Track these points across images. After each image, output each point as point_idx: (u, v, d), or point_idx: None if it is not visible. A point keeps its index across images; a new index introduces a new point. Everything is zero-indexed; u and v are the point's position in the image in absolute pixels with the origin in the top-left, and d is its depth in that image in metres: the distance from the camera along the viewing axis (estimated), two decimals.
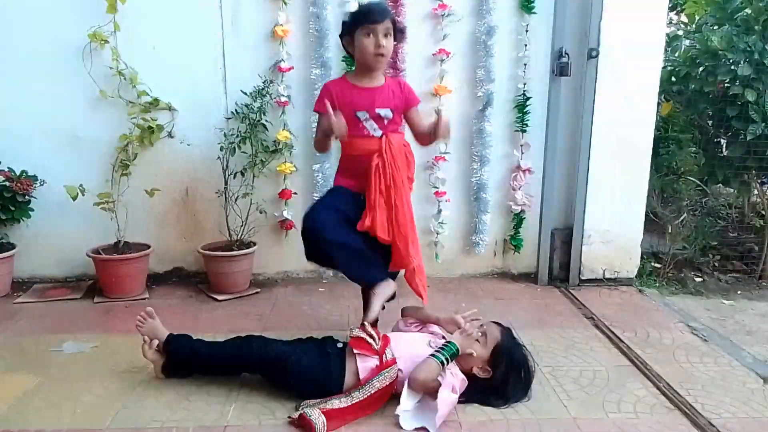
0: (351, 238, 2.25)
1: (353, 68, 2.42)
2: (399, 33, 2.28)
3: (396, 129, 2.35)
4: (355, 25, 2.22)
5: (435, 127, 2.24)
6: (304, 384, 1.96)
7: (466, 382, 1.99)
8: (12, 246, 3.13)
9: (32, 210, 3.14)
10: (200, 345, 2.13)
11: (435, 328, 2.26)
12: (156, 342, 2.13)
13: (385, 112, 2.29)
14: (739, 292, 3.32)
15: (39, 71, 3.07)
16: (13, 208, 3.06)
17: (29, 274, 3.29)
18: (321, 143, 2.38)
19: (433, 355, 1.94)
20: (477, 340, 2.07)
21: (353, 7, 2.24)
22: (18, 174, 3.08)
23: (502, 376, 2.01)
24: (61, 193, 2.94)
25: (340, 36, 2.33)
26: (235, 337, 2.15)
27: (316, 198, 3.21)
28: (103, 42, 2.98)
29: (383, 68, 2.30)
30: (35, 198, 3.12)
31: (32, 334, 2.59)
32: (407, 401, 1.89)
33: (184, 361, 2.12)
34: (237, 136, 3.05)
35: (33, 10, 3.01)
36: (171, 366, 2.14)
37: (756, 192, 3.71)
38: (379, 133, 2.29)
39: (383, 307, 2.29)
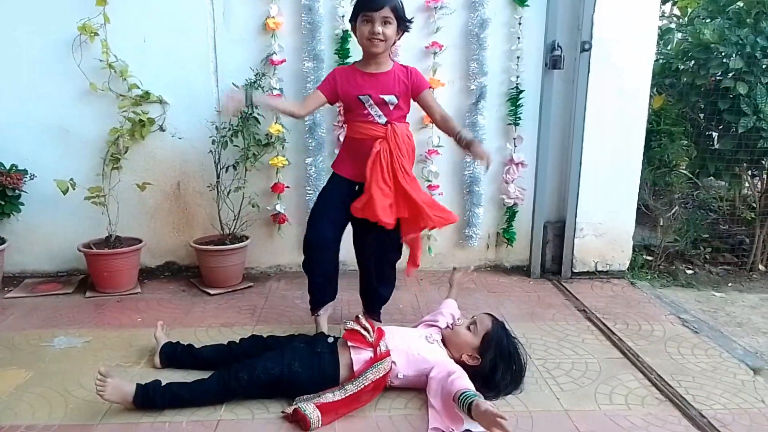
0: (336, 257, 2.44)
1: (347, 59, 2.44)
2: (402, 21, 2.28)
3: (402, 117, 2.37)
4: (356, 12, 2.27)
5: (469, 147, 2.35)
6: (300, 388, 1.96)
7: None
8: (2, 240, 3.10)
9: (23, 204, 3.12)
10: (181, 391, 1.93)
11: (435, 323, 2.28)
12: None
13: (389, 98, 2.30)
14: (729, 284, 3.35)
15: (28, 64, 3.04)
16: (3, 203, 3.03)
17: (20, 268, 3.27)
18: (286, 114, 2.44)
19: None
20: (468, 328, 2.10)
21: None
22: (8, 168, 3.05)
23: (491, 364, 2.02)
24: (52, 187, 2.92)
25: (350, 21, 2.37)
26: (217, 372, 1.99)
27: (310, 193, 3.21)
28: (92, 34, 2.94)
29: (382, 53, 2.29)
30: (26, 192, 3.10)
31: (23, 329, 2.57)
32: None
33: (165, 408, 1.92)
34: (229, 129, 3.03)
35: (21, 2, 2.97)
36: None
37: (747, 185, 3.73)
38: (383, 120, 2.30)
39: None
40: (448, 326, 2.18)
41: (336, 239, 2.42)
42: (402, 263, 2.55)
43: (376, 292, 2.58)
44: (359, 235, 2.48)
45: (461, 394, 1.78)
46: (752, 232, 3.59)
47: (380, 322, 2.54)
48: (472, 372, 1.99)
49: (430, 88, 2.47)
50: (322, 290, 2.48)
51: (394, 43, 2.34)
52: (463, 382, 1.87)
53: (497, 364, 2.03)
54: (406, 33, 2.35)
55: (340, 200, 2.37)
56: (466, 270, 2.67)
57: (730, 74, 3.25)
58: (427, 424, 1.84)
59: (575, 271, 3.33)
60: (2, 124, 3.09)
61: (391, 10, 2.22)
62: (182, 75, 3.11)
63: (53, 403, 1.97)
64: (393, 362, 2.00)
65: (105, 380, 1.84)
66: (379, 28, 2.20)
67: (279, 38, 3.09)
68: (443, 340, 2.15)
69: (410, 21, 2.34)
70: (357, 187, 2.35)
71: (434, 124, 2.54)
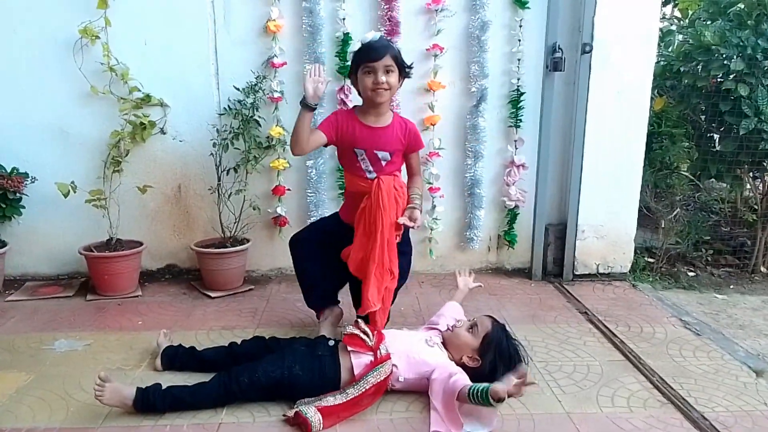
0: (317, 262, 2.47)
1: (347, 62, 2.45)
2: (404, 68, 2.31)
3: (393, 171, 2.37)
4: (357, 64, 2.27)
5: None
6: (302, 392, 1.95)
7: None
8: (3, 244, 3.10)
9: (23, 207, 3.12)
10: (182, 394, 1.92)
11: (436, 326, 2.27)
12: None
13: (383, 155, 2.32)
14: (731, 287, 3.34)
15: (29, 67, 3.04)
16: (4, 206, 3.03)
17: (21, 271, 3.27)
18: (296, 132, 2.30)
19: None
20: (468, 330, 2.11)
21: (357, 46, 2.29)
22: (9, 171, 3.05)
23: (491, 365, 2.02)
24: (53, 190, 2.91)
25: (347, 76, 2.39)
26: (217, 375, 1.99)
27: (310, 196, 3.21)
28: (93, 37, 2.95)
29: (385, 102, 2.31)
30: (27, 195, 3.10)
31: (24, 332, 2.57)
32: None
33: (166, 412, 1.91)
34: (230, 132, 3.03)
35: (22, 5, 2.97)
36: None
37: (748, 186, 3.72)
38: (373, 175, 2.32)
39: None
40: (448, 328, 2.18)
41: (319, 243, 2.48)
42: None
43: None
44: None
45: (471, 388, 1.80)
46: (754, 234, 3.58)
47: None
48: (472, 373, 1.99)
49: (422, 148, 2.50)
50: (311, 291, 2.51)
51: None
52: (465, 381, 1.88)
53: (497, 365, 2.03)
54: (406, 77, 2.37)
55: (333, 226, 2.45)
56: (465, 271, 2.66)
57: (731, 76, 3.25)
58: (428, 427, 1.84)
59: (577, 273, 3.32)
60: (3, 127, 3.09)
61: (392, 58, 2.24)
62: (183, 78, 3.11)
63: (54, 406, 1.97)
64: (394, 365, 2.00)
65: (103, 385, 1.84)
66: (382, 78, 2.22)
67: (280, 41, 3.10)
68: (444, 343, 2.15)
69: (410, 67, 2.37)
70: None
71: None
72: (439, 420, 1.85)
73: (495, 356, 2.03)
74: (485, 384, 1.79)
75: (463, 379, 1.90)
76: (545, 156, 3.22)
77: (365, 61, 2.23)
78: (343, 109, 2.50)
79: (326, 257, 2.45)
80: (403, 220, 2.28)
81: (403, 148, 2.39)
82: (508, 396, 1.69)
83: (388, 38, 2.40)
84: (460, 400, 1.84)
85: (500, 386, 1.72)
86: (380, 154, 2.32)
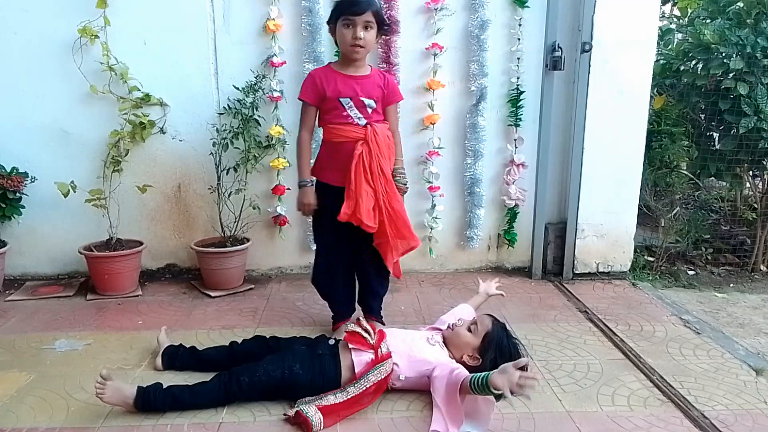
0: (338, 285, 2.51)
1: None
2: (384, 26, 2.30)
3: (380, 119, 2.37)
4: (337, 14, 2.26)
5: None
6: (302, 391, 1.95)
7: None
8: (3, 243, 3.10)
9: (23, 207, 3.12)
10: (182, 394, 1.92)
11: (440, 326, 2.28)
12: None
13: (368, 102, 2.30)
14: (731, 285, 3.35)
15: (28, 67, 3.04)
16: (3, 206, 3.03)
17: (21, 271, 3.27)
18: (302, 140, 2.38)
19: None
20: (468, 329, 2.11)
21: None
22: (8, 171, 3.05)
23: (491, 364, 2.01)
24: (53, 190, 2.92)
25: (327, 23, 2.37)
26: (218, 374, 2.00)
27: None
28: (93, 37, 2.95)
29: (361, 59, 2.32)
30: (26, 195, 3.10)
31: (24, 332, 2.57)
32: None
33: (166, 411, 1.91)
34: (229, 131, 3.03)
35: (21, 5, 2.97)
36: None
37: (748, 185, 3.73)
38: (363, 121, 2.30)
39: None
40: (449, 327, 2.18)
41: (347, 262, 2.49)
42: None
43: (374, 291, 2.57)
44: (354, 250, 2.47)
45: (472, 378, 1.80)
46: (753, 233, 3.59)
47: (383, 324, 2.53)
48: (472, 372, 1.99)
49: (401, 100, 2.50)
50: (337, 305, 2.57)
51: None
52: (467, 374, 1.88)
53: (498, 364, 2.01)
54: (398, 34, 2.36)
55: (335, 224, 2.32)
56: (490, 278, 2.65)
57: (731, 75, 3.25)
58: (428, 426, 1.84)
59: (576, 272, 3.32)
60: (3, 127, 3.09)
61: (373, 14, 2.23)
62: (182, 77, 3.11)
63: (55, 406, 1.97)
64: (395, 364, 2.00)
65: (105, 383, 1.84)
66: (361, 33, 2.21)
67: (279, 40, 3.09)
68: (444, 341, 2.15)
69: (388, 25, 2.36)
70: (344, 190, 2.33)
71: None
72: (440, 419, 1.85)
73: (495, 355, 2.03)
74: (485, 373, 1.78)
75: (465, 372, 1.90)
76: (545, 155, 3.22)
77: (347, 14, 2.22)
78: (318, 68, 2.46)
79: (342, 264, 2.48)
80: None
81: (382, 97, 2.36)
82: (511, 393, 1.68)
83: None
84: (463, 392, 1.84)
85: (499, 377, 1.71)
86: (366, 101, 2.30)
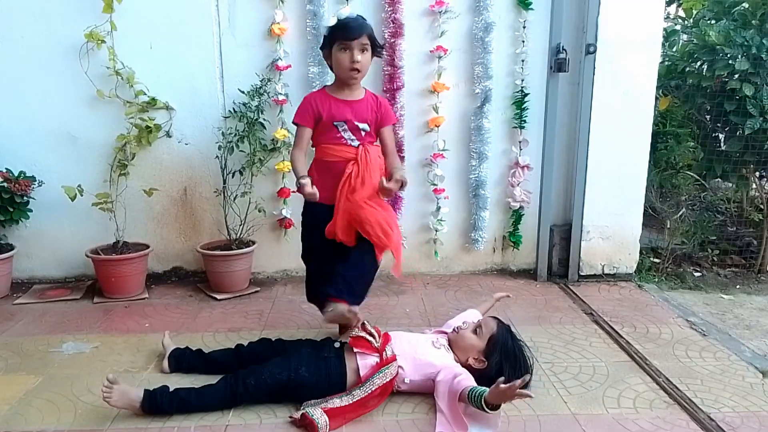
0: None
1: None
2: (377, 48, 2.31)
3: (372, 142, 2.37)
4: (332, 39, 2.25)
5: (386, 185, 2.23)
6: (308, 394, 1.96)
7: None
8: (11, 247, 3.13)
9: (31, 211, 3.14)
10: (189, 396, 1.94)
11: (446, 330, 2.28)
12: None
13: (362, 126, 2.31)
14: (738, 287, 3.33)
15: (35, 71, 3.06)
16: (11, 209, 3.05)
17: (28, 274, 3.29)
18: (296, 154, 2.34)
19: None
20: (473, 331, 2.11)
21: (332, 21, 2.28)
22: (16, 175, 3.07)
23: (497, 366, 2.02)
24: (60, 193, 2.94)
25: (321, 48, 2.37)
26: (224, 377, 2.02)
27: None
28: (99, 42, 2.97)
29: (358, 82, 2.33)
30: (34, 199, 3.12)
31: (32, 335, 2.59)
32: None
33: (173, 414, 1.93)
34: (235, 134, 3.05)
35: (29, 9, 3.00)
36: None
37: (754, 186, 3.71)
38: (356, 143, 2.31)
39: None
40: (454, 330, 2.19)
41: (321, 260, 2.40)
42: None
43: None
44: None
45: (470, 390, 1.80)
46: (760, 234, 3.57)
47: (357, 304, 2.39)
48: (478, 375, 1.99)
49: (395, 123, 2.49)
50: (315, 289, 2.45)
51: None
52: (468, 382, 1.89)
53: (503, 366, 2.03)
54: (377, 57, 2.36)
55: (325, 242, 2.30)
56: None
57: (736, 75, 3.24)
58: (434, 429, 1.84)
59: (582, 274, 3.32)
60: (10, 131, 3.11)
61: (368, 37, 2.23)
62: (188, 81, 3.13)
63: (62, 408, 1.98)
64: (400, 367, 2.00)
65: (111, 386, 1.86)
66: (358, 56, 2.21)
67: (284, 44, 3.11)
68: (450, 344, 2.15)
69: (382, 47, 2.37)
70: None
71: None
72: (445, 422, 1.85)
73: (501, 357, 2.03)
74: (483, 388, 1.79)
75: (466, 380, 1.90)
76: (550, 157, 3.22)
77: (342, 39, 2.22)
78: (313, 92, 2.46)
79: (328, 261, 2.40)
80: (390, 184, 2.19)
81: (376, 120, 2.36)
82: (508, 398, 1.70)
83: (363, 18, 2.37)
84: (462, 401, 1.85)
85: (494, 399, 1.72)
86: (360, 125, 2.30)
